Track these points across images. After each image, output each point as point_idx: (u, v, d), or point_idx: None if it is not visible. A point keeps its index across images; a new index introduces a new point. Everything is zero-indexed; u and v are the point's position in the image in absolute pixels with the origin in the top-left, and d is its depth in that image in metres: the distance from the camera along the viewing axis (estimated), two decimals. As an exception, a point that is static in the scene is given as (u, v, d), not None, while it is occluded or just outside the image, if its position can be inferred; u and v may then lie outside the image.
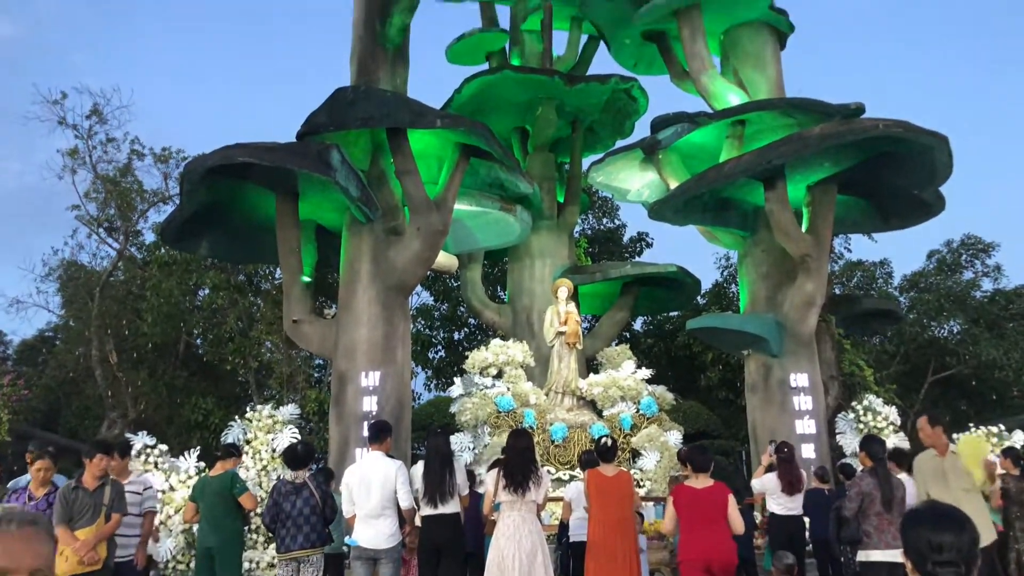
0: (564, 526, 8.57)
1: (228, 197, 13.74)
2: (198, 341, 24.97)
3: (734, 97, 14.88)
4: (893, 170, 13.37)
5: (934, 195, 14.11)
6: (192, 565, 8.30)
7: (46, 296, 25.85)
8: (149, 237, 24.90)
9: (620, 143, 17.67)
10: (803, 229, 13.69)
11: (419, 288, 25.50)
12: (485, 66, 17.83)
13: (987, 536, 6.00)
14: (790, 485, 8.11)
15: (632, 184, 16.16)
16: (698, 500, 6.15)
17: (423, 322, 26.95)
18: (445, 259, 16.02)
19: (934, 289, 26.37)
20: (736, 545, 6.13)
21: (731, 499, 6.12)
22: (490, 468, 7.44)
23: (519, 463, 6.17)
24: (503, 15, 19.09)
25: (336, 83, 13.42)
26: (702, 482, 6.23)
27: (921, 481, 6.22)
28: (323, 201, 13.50)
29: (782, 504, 8.14)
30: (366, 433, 11.90)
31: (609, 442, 7.00)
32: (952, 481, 6.07)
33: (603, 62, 46.46)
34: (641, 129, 18.48)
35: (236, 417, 12.79)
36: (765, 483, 8.25)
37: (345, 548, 7.67)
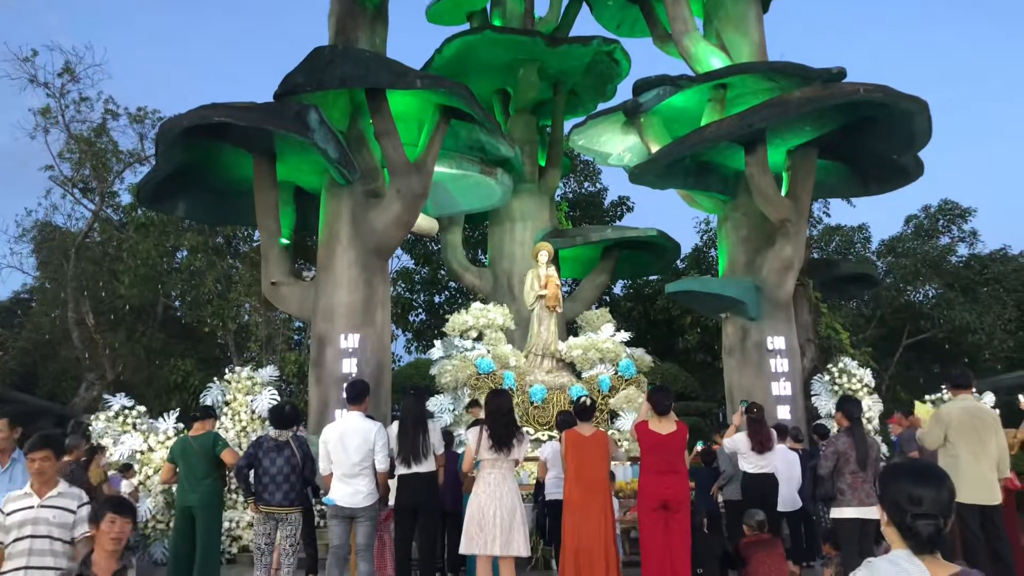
0: (541, 485, 8.68)
1: (205, 158, 13.57)
2: (176, 303, 24.80)
3: (716, 60, 14.80)
4: (873, 135, 13.41)
5: (913, 160, 14.20)
6: (172, 524, 8.35)
7: (20, 257, 25.53)
8: (125, 198, 24.62)
9: (602, 106, 17.56)
10: (783, 193, 13.74)
11: (399, 251, 25.43)
12: (466, 26, 17.61)
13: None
14: (760, 444, 8.25)
15: (614, 148, 16.10)
16: (660, 444, 6.54)
17: (403, 285, 26.90)
18: (425, 222, 15.94)
19: (911, 254, 26.59)
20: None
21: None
22: (470, 427, 7.48)
23: (503, 421, 6.22)
24: (484, -26, 18.82)
25: (314, 43, 13.18)
26: (665, 427, 6.61)
27: None
28: (301, 163, 13.35)
29: (753, 463, 8.28)
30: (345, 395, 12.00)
31: (588, 401, 7.08)
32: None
33: (586, 24, 46.07)
34: (623, 92, 18.34)
35: (215, 379, 12.79)
36: (736, 443, 8.39)
37: (322, 507, 7.74)
